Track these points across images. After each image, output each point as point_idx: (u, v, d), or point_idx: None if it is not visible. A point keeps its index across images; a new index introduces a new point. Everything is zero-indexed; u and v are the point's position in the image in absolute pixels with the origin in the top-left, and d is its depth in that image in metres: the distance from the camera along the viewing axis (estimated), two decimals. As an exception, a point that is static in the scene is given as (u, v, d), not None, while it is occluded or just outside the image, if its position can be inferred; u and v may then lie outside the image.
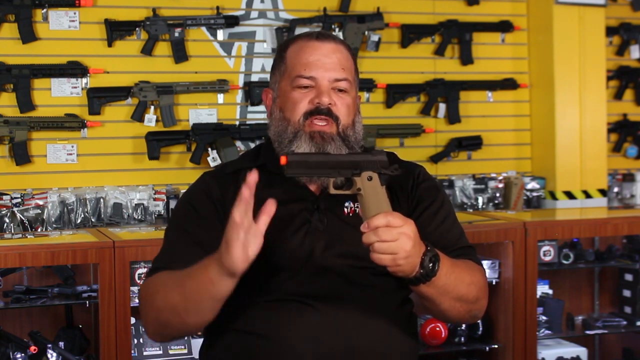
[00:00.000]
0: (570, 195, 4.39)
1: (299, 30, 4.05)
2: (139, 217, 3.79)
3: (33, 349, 3.08)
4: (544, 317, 3.78)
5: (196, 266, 1.77)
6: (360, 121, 2.06)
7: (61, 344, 3.22)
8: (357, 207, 1.96)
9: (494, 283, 3.57)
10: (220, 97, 4.03)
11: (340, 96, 1.99)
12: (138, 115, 3.88)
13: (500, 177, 4.40)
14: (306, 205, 1.95)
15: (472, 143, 4.40)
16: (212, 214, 1.96)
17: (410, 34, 4.30)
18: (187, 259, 1.84)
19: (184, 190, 2.11)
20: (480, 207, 4.30)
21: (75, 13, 3.82)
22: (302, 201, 1.96)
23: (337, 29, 4.16)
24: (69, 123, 3.77)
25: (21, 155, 3.70)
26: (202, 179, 2.05)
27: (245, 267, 1.69)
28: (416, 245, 1.74)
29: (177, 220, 2.03)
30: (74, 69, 3.78)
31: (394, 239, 1.70)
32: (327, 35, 2.04)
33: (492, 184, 4.37)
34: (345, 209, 1.97)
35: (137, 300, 3.26)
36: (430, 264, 1.77)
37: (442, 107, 4.36)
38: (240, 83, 4.09)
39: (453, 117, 4.36)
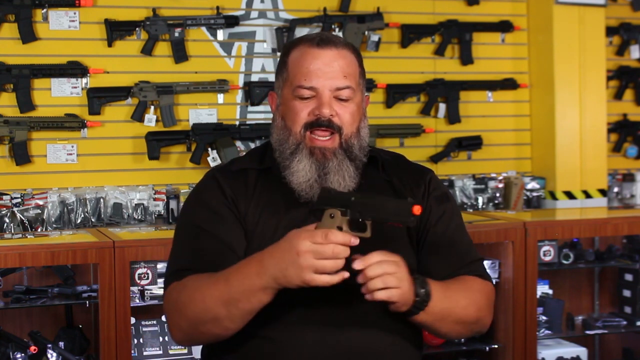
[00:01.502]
0: (570, 195, 4.39)
1: (299, 30, 4.05)
2: (139, 217, 3.78)
3: (33, 349, 3.08)
4: (544, 317, 3.78)
5: (239, 275, 1.77)
6: (366, 125, 2.03)
7: (61, 344, 3.22)
8: None
9: (494, 283, 3.56)
10: (220, 97, 4.03)
11: (343, 105, 1.96)
12: (138, 115, 3.88)
13: (500, 177, 4.40)
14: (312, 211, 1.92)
15: (472, 143, 4.39)
16: (229, 212, 1.94)
17: (410, 34, 4.30)
18: (211, 259, 1.84)
19: (192, 189, 2.07)
20: (480, 207, 4.30)
21: (75, 13, 3.82)
22: (306, 206, 1.94)
23: (337, 29, 4.16)
24: (69, 123, 3.77)
25: (21, 155, 3.70)
26: (212, 177, 2.01)
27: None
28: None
29: (191, 219, 1.98)
30: (74, 69, 3.78)
31: (395, 271, 1.76)
32: (328, 40, 1.98)
33: (492, 184, 4.37)
34: None
35: (137, 301, 3.28)
36: (422, 290, 1.81)
37: (442, 107, 4.36)
38: (240, 83, 4.09)
39: (453, 117, 4.36)
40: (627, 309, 4.06)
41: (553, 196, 4.38)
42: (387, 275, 1.74)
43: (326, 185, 1.90)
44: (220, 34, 4.04)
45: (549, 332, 3.80)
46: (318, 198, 1.80)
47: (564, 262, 3.90)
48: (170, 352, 3.31)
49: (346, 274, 1.71)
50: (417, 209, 1.70)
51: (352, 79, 1.98)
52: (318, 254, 1.68)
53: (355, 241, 1.70)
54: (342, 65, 1.96)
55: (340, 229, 1.74)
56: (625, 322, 3.97)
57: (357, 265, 1.73)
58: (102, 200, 3.75)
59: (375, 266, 1.74)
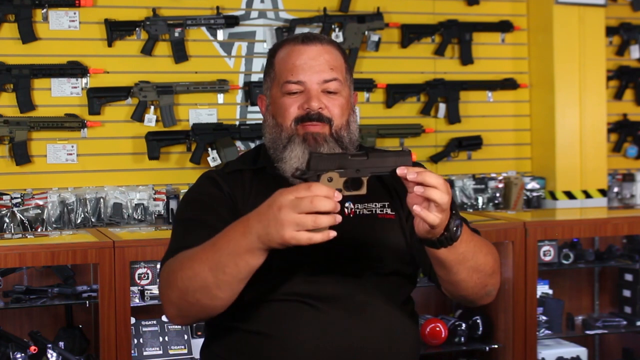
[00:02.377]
0: (570, 195, 4.39)
1: (298, 30, 4.05)
2: (139, 217, 3.79)
3: (33, 349, 3.08)
4: (544, 317, 3.78)
5: (225, 237, 1.71)
6: (356, 120, 2.04)
7: (61, 344, 3.22)
8: (357, 207, 1.96)
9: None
10: (220, 97, 4.03)
11: (332, 98, 1.98)
12: (138, 115, 3.88)
13: (500, 177, 4.40)
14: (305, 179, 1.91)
15: (472, 143, 4.39)
16: (224, 204, 1.95)
17: (410, 34, 4.30)
18: (202, 238, 1.80)
19: (186, 190, 2.09)
20: (480, 207, 4.30)
21: (75, 13, 3.82)
22: None
23: (337, 29, 4.16)
24: (69, 123, 3.77)
25: (21, 155, 3.70)
26: (209, 177, 2.03)
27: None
28: None
29: (187, 212, 1.99)
30: (74, 69, 3.78)
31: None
32: (313, 37, 2.02)
33: (492, 184, 4.37)
34: (346, 210, 1.97)
35: (137, 301, 3.29)
36: (455, 228, 1.75)
37: (442, 107, 4.35)
38: (240, 83, 4.09)
39: (453, 117, 4.36)
40: (627, 309, 4.06)
41: (553, 196, 4.38)
42: (442, 194, 1.66)
43: (314, 151, 1.89)
44: (220, 34, 4.04)
45: (549, 332, 3.80)
46: (309, 163, 1.70)
47: (564, 262, 3.90)
48: (170, 352, 3.31)
49: (332, 233, 1.62)
50: (414, 156, 1.71)
51: (338, 72, 1.99)
52: (297, 207, 1.59)
53: (338, 196, 1.62)
54: (327, 59, 1.99)
55: (339, 191, 1.67)
56: (625, 322, 3.97)
57: (400, 170, 1.67)
58: (102, 200, 3.75)
59: (431, 175, 1.66)
